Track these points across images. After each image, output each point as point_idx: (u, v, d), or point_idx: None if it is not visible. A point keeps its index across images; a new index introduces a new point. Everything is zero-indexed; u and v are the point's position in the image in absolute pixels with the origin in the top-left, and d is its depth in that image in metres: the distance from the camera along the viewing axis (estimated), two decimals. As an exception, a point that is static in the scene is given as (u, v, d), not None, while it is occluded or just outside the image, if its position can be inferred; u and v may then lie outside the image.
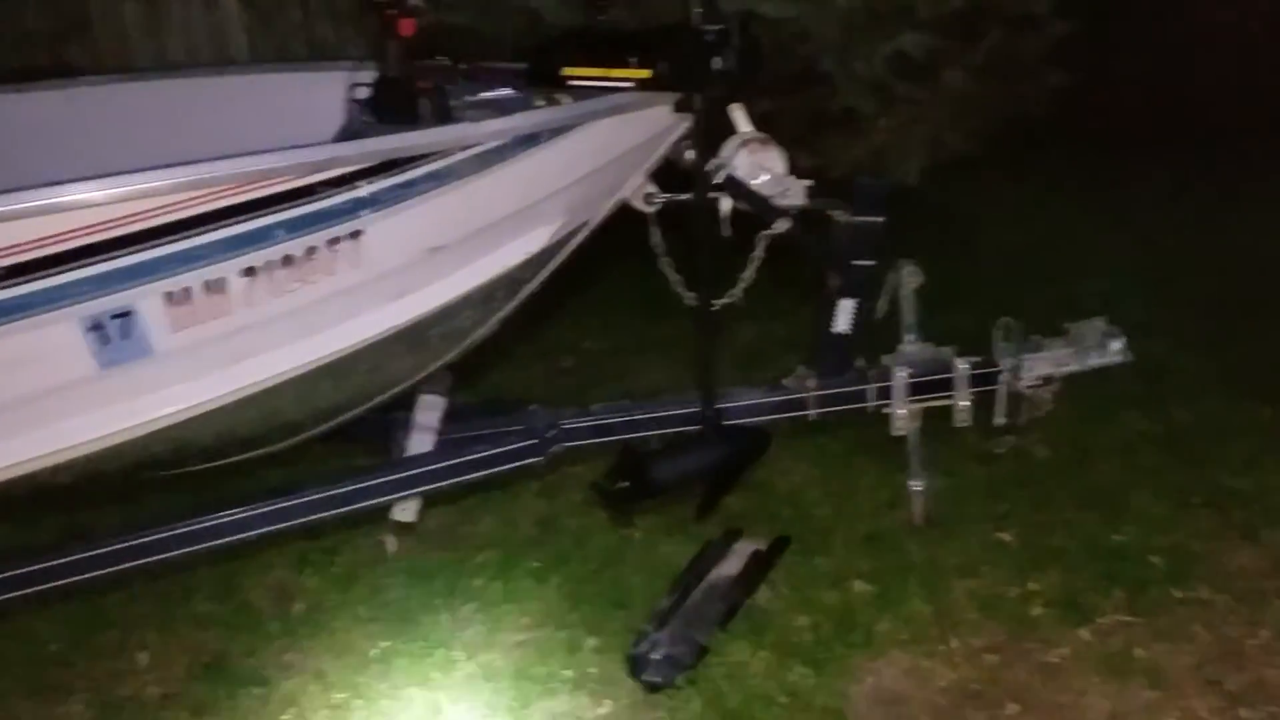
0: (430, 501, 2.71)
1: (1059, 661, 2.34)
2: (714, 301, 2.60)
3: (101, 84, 2.84)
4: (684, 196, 2.55)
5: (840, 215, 2.64)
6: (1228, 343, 3.74)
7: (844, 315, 2.70)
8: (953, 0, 3.73)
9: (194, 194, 1.71)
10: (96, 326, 1.74)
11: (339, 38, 6.19)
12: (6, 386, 1.75)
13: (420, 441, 2.60)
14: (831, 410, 2.74)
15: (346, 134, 2.52)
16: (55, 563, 2.04)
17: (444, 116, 2.14)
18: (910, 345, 2.78)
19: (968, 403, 2.75)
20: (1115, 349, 2.74)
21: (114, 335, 1.75)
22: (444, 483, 2.43)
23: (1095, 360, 2.76)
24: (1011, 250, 4.63)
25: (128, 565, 2.10)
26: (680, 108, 2.31)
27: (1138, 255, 4.52)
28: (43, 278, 1.66)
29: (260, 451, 2.42)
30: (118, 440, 1.92)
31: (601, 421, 2.59)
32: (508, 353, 3.64)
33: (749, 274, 2.66)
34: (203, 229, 1.74)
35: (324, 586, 2.73)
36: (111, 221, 1.66)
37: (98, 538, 2.11)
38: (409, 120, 2.12)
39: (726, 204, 2.58)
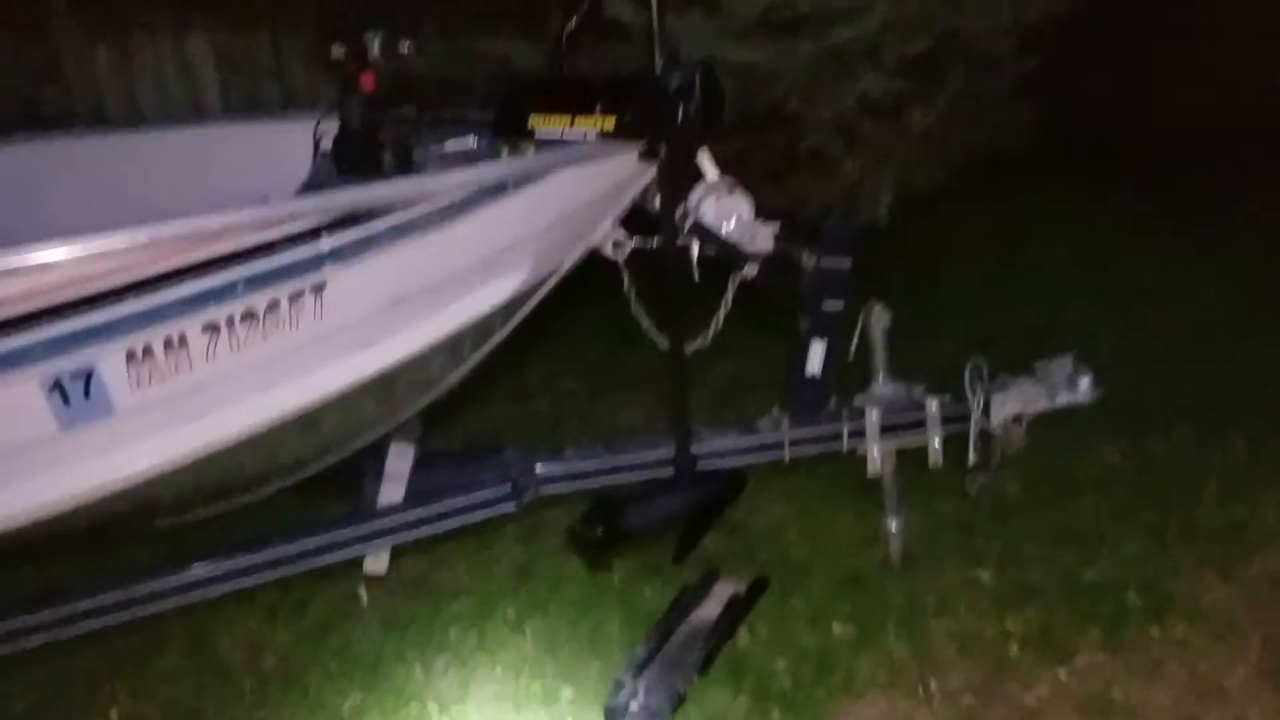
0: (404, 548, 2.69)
1: (1037, 704, 2.34)
2: (686, 346, 2.60)
3: (71, 138, 2.84)
4: (652, 242, 2.56)
5: (808, 259, 2.65)
6: (1198, 374, 3.77)
7: (815, 357, 2.70)
8: (916, 43, 3.77)
9: (156, 252, 1.69)
10: (57, 387, 1.72)
11: (310, 81, 6.23)
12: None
13: (391, 490, 2.58)
14: (806, 452, 2.74)
15: (313, 184, 2.52)
16: (22, 623, 2.01)
17: (407, 168, 2.14)
18: (882, 385, 2.78)
19: (939, 443, 2.75)
20: (1084, 388, 2.76)
21: (75, 395, 1.73)
22: (416, 533, 2.41)
23: (1064, 399, 2.78)
24: (981, 284, 4.69)
25: (96, 622, 2.07)
26: (646, 155, 2.32)
27: (1107, 286, 4.58)
28: (2, 339, 1.64)
29: (228, 505, 2.40)
30: (80, 500, 1.89)
31: (576, 467, 2.57)
32: (481, 393, 3.63)
33: (720, 318, 2.67)
34: (164, 286, 1.73)
35: (296, 639, 2.69)
36: (73, 281, 1.65)
37: (66, 594, 2.07)
38: (372, 172, 2.12)
39: (696, 249, 2.60)
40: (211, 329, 1.82)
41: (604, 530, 2.42)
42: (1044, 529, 2.96)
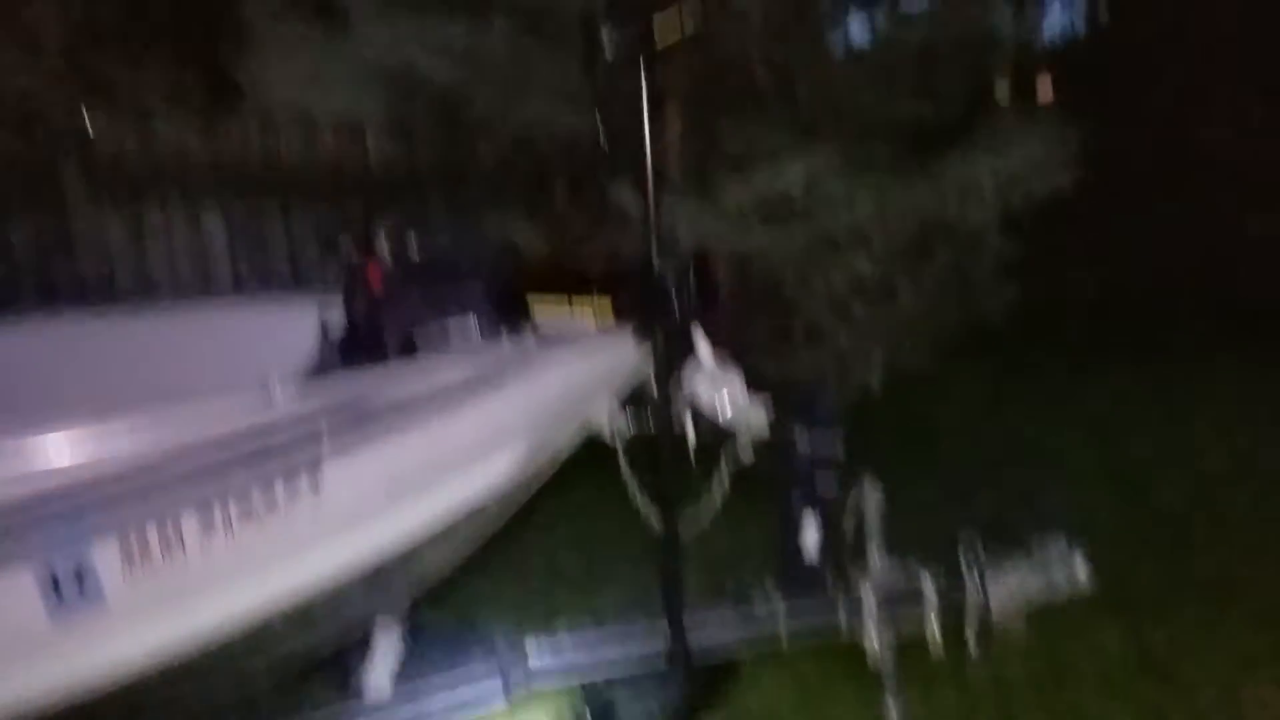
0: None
1: None
2: (681, 528, 2.61)
3: (82, 317, 2.90)
4: (649, 422, 2.60)
5: (801, 437, 2.69)
6: (1194, 553, 3.75)
7: (809, 535, 2.70)
8: (903, 229, 3.92)
9: (156, 439, 1.72)
10: (50, 577, 1.71)
11: (320, 254, 6.42)
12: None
13: (379, 676, 2.52)
14: (803, 635, 2.70)
15: (317, 365, 2.58)
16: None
17: (410, 356, 2.20)
18: (877, 564, 2.77)
19: (938, 627, 2.72)
20: (1078, 571, 2.75)
21: (68, 585, 1.72)
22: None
23: (1059, 582, 2.76)
24: (973, 457, 4.71)
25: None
26: (642, 339, 2.38)
27: (1098, 463, 4.61)
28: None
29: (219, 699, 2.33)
30: (68, 691, 1.84)
31: (568, 660, 2.52)
32: (475, 563, 3.59)
33: (716, 500, 2.69)
34: (163, 474, 1.74)
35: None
36: (71, 470, 1.67)
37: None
38: (376, 361, 2.17)
39: (691, 428, 2.64)
40: (208, 517, 1.82)
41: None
42: (1046, 714, 2.88)
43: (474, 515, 2.37)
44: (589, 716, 2.35)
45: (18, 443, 1.64)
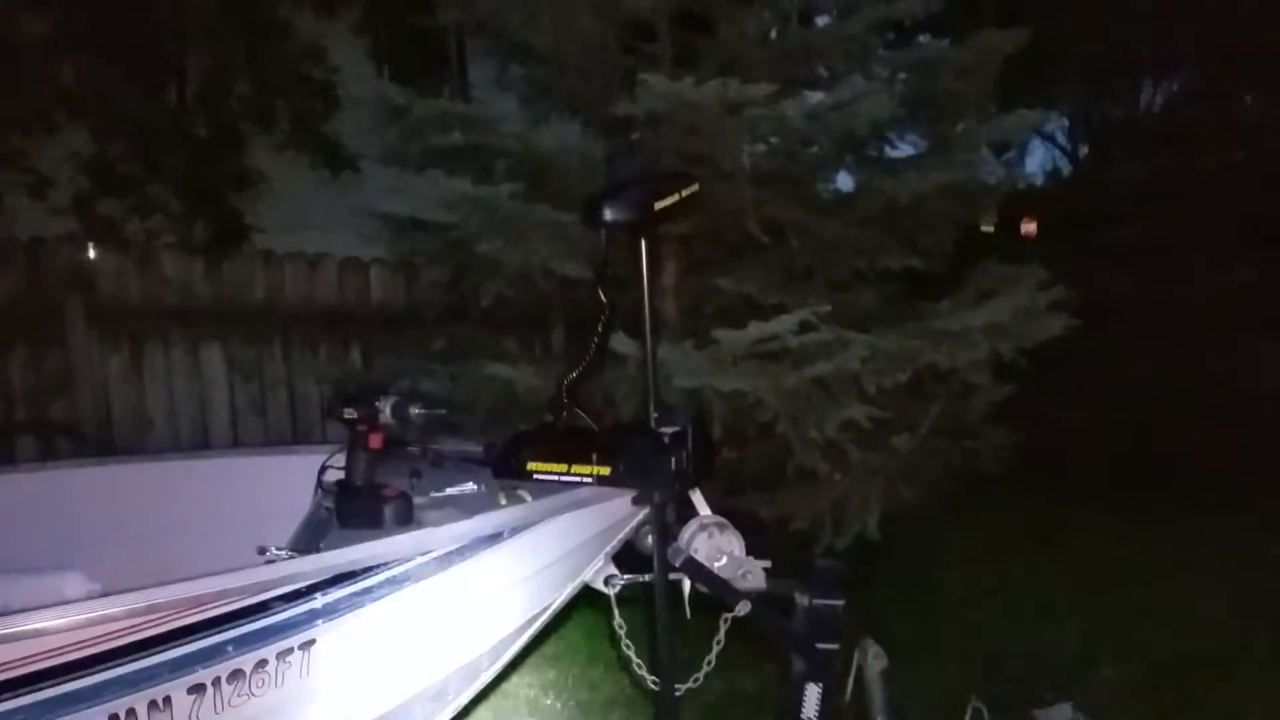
0: None
1: None
2: (678, 687, 2.56)
3: (76, 468, 2.91)
4: (645, 578, 2.58)
5: (801, 597, 2.66)
6: (1197, 708, 3.67)
7: (810, 701, 2.64)
8: (896, 374, 3.97)
9: (146, 618, 1.71)
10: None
11: (320, 392, 6.48)
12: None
13: None
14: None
15: (311, 523, 2.57)
16: None
17: (407, 521, 2.20)
18: (880, 731, 2.70)
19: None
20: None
21: (49, 763, 1.68)
22: None
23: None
24: (971, 605, 4.67)
25: None
26: (639, 501, 2.38)
27: (1095, 605, 4.56)
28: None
29: None
30: None
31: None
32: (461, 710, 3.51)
33: (712, 658, 2.63)
34: (153, 651, 1.72)
35: None
36: (59, 649, 1.64)
37: None
38: (373, 526, 2.17)
39: (687, 585, 2.61)
40: (196, 690, 1.79)
41: None
42: None
43: (466, 669, 2.34)
44: None
45: (7, 621, 1.63)
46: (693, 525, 2.60)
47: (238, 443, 6.30)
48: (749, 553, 2.66)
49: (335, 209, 5.80)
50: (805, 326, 3.89)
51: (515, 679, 4.05)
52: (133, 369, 6.06)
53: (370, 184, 6.48)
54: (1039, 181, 11.96)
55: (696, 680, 2.63)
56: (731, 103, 3.86)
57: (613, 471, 2.33)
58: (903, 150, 5.16)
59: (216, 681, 1.81)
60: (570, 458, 2.38)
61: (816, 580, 2.67)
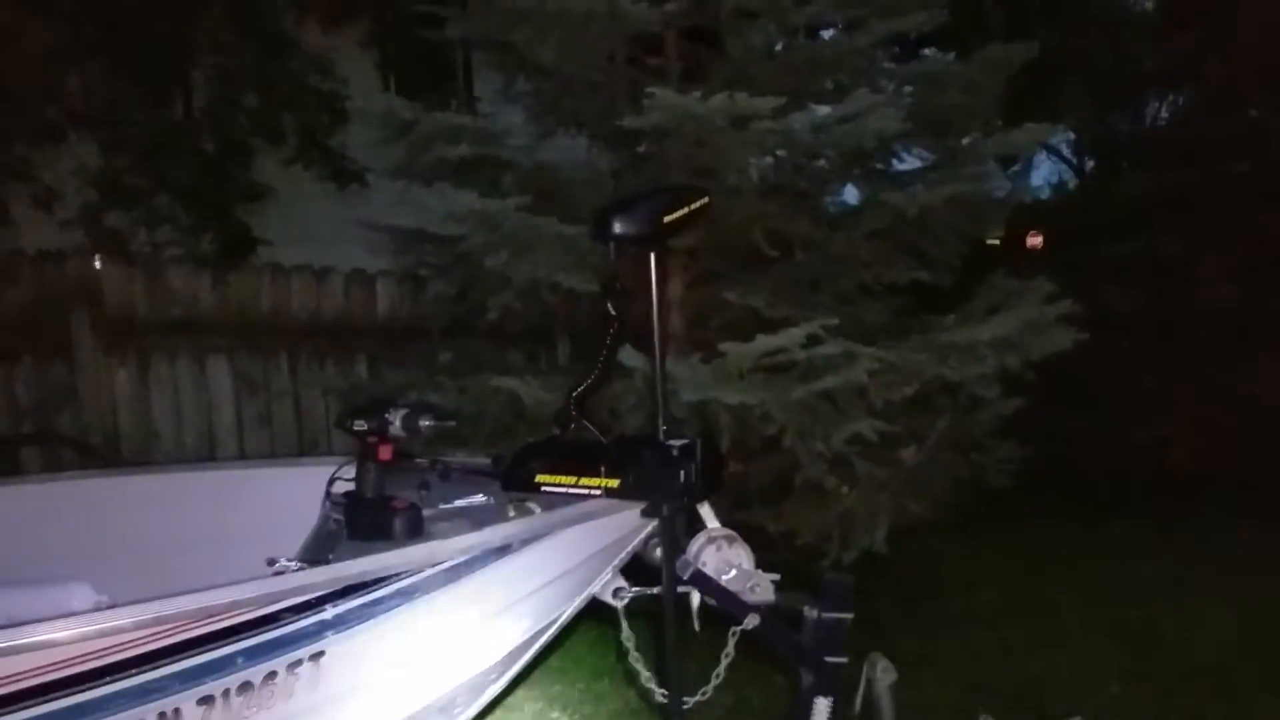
0: None
1: None
2: (686, 700, 2.55)
3: (83, 479, 2.91)
4: (653, 591, 2.57)
5: (810, 611, 2.65)
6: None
7: (819, 714, 2.63)
8: (903, 387, 3.96)
9: (156, 630, 1.70)
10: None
11: (326, 405, 6.48)
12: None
13: None
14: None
15: (320, 535, 2.57)
16: None
17: (417, 533, 2.20)
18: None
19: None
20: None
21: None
22: None
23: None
24: (978, 621, 4.65)
25: None
26: (648, 513, 2.38)
27: (1102, 624, 4.54)
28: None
29: None
30: None
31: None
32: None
33: (721, 671, 2.62)
34: (163, 663, 1.72)
35: None
36: (69, 660, 1.64)
37: None
38: (383, 538, 2.17)
39: (696, 598, 2.60)
40: (206, 701, 1.79)
41: None
42: None
43: (474, 682, 2.33)
44: None
45: (18, 634, 1.62)
46: (701, 538, 2.60)
47: (244, 455, 6.30)
48: (758, 568, 2.66)
49: (342, 222, 5.80)
50: (812, 340, 3.88)
51: (521, 692, 4.03)
52: (139, 381, 6.07)
53: (377, 197, 6.49)
54: (1045, 195, 11.97)
55: (705, 693, 2.61)
56: (739, 116, 3.87)
57: (622, 484, 2.33)
58: (909, 164, 5.17)
59: (226, 693, 1.81)
60: (579, 470, 2.38)
61: (825, 594, 2.66)
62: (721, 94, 3.81)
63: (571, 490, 2.38)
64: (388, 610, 1.98)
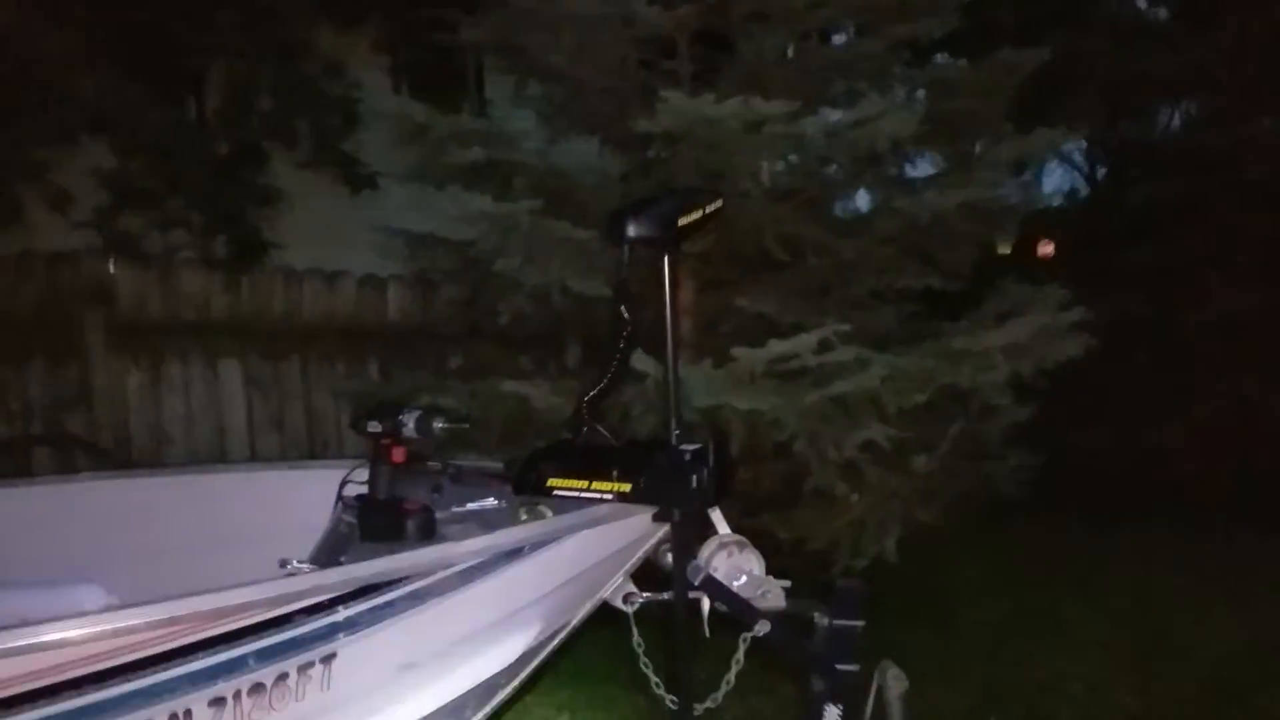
0: None
1: None
2: (696, 707, 2.54)
3: (94, 480, 2.92)
4: (664, 596, 2.56)
5: (821, 618, 2.63)
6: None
7: (831, 721, 2.61)
8: (915, 394, 3.95)
9: (167, 630, 1.70)
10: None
11: (337, 408, 6.49)
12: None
13: None
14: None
15: (332, 537, 2.56)
16: None
17: (429, 536, 2.19)
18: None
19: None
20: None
21: (67, 774, 1.67)
22: None
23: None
24: (989, 626, 4.63)
25: None
26: (659, 518, 2.37)
27: (1112, 632, 4.52)
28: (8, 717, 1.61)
29: None
30: None
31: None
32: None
33: (731, 678, 2.61)
34: (174, 663, 1.71)
35: None
36: (80, 660, 1.64)
37: None
38: (395, 540, 2.16)
39: (706, 604, 2.59)
40: (217, 703, 1.78)
41: None
42: None
43: (485, 686, 2.32)
44: None
45: (28, 633, 1.62)
46: (712, 543, 2.59)
47: (255, 458, 6.31)
48: (769, 574, 2.65)
49: (354, 226, 5.81)
50: (824, 345, 3.88)
51: (529, 698, 4.02)
52: (151, 383, 6.08)
53: (389, 201, 6.52)
54: (1056, 203, 11.92)
55: (715, 700, 2.60)
56: (751, 120, 3.86)
57: (634, 488, 2.32)
58: (921, 170, 5.16)
59: (237, 695, 1.80)
60: (591, 474, 2.37)
61: (837, 600, 2.65)
62: (734, 98, 3.81)
63: (583, 494, 2.37)
64: (400, 612, 1.97)
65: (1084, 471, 6.15)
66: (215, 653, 1.76)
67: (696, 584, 2.54)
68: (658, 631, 2.59)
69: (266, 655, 1.81)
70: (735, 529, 2.64)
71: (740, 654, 2.63)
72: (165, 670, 1.72)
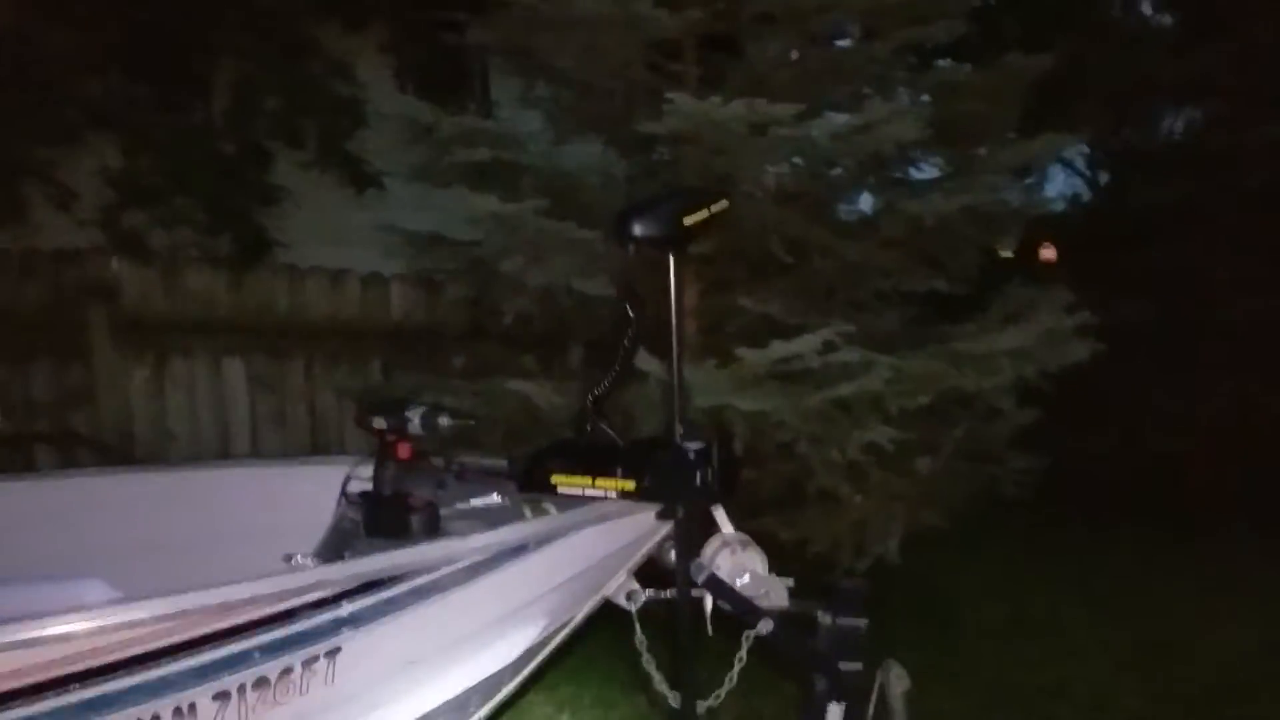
0: None
1: None
2: (699, 703, 2.53)
3: (98, 476, 2.92)
4: (666, 594, 2.56)
5: (824, 617, 2.63)
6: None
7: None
8: (919, 396, 3.95)
9: (172, 624, 1.70)
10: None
11: (341, 407, 6.50)
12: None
13: None
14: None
15: (336, 533, 2.57)
16: None
17: (433, 531, 2.20)
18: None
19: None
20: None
21: (73, 767, 1.67)
22: None
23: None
24: (992, 629, 4.63)
25: None
26: (663, 516, 2.38)
27: (1115, 635, 4.52)
28: (5, 712, 1.61)
29: None
30: None
31: None
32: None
33: (734, 675, 2.61)
34: (179, 657, 1.71)
35: None
36: (84, 653, 1.64)
37: None
38: (400, 536, 2.17)
39: (709, 602, 2.60)
40: (221, 697, 1.78)
41: None
42: None
43: (488, 683, 2.32)
44: None
45: (31, 627, 1.62)
46: (715, 542, 2.59)
47: (258, 456, 6.31)
48: (772, 573, 2.65)
49: (359, 225, 5.82)
50: (828, 347, 3.88)
51: (531, 696, 4.02)
52: (155, 381, 6.09)
53: (394, 201, 6.52)
54: (1060, 208, 11.91)
55: (718, 697, 2.60)
56: (757, 122, 3.87)
57: (638, 486, 2.33)
58: (926, 174, 5.15)
59: (242, 689, 1.80)
60: (595, 471, 2.37)
61: (840, 599, 2.65)
62: (740, 100, 3.82)
63: (587, 492, 2.38)
64: (404, 608, 1.98)
65: (1087, 474, 6.15)
66: (220, 647, 1.76)
67: (700, 582, 2.54)
68: (660, 630, 2.60)
69: (271, 649, 1.82)
70: (736, 529, 2.65)
71: (743, 652, 2.63)
72: (170, 664, 1.72)
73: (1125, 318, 6.22)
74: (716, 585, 2.55)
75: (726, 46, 4.71)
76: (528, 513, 2.34)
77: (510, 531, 2.18)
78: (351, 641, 1.92)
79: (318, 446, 6.49)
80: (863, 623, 2.62)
